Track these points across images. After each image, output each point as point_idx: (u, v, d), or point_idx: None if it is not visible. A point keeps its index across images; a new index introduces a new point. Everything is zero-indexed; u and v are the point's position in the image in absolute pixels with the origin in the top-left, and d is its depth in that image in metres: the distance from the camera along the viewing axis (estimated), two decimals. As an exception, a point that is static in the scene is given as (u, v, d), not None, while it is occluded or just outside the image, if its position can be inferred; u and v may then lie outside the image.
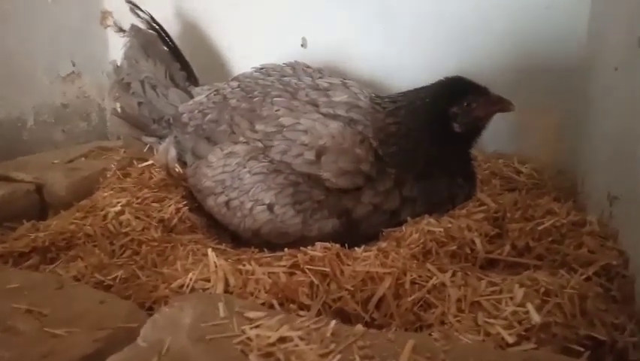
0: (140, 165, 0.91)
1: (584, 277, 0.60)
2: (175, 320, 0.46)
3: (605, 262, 0.63)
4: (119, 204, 0.77)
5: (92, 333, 0.48)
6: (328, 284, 0.62)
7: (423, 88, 0.80)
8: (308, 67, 0.92)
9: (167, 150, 0.92)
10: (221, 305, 0.47)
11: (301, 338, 0.43)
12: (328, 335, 0.44)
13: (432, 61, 1.07)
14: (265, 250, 0.72)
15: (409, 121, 0.78)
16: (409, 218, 0.75)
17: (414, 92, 0.80)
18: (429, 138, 0.78)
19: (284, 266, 0.62)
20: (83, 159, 1.01)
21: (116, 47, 1.17)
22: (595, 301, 0.56)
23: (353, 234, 0.75)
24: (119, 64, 1.02)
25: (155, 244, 0.71)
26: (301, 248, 0.68)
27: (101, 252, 0.69)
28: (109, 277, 0.62)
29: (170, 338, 0.43)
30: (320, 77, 0.88)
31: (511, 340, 0.50)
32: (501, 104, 0.78)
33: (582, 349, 0.49)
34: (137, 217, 0.75)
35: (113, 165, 0.92)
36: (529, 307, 0.53)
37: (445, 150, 0.79)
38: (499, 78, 1.00)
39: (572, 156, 0.98)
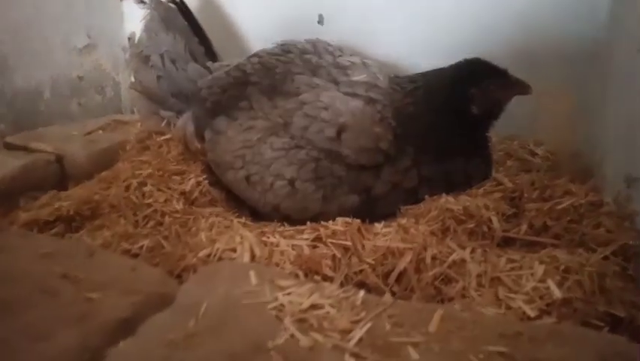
0: (158, 139, 0.92)
1: (602, 256, 0.61)
2: (209, 285, 0.47)
3: (623, 242, 0.64)
4: (141, 176, 0.78)
5: (127, 297, 0.49)
6: (350, 258, 0.63)
7: (441, 69, 0.80)
8: (329, 45, 0.92)
9: (185, 125, 0.93)
10: (252, 273, 0.49)
11: (332, 306, 0.44)
12: (358, 303, 0.45)
13: (448, 42, 1.06)
14: (285, 224, 0.74)
15: (426, 102, 0.78)
16: (426, 197, 0.76)
17: (432, 73, 0.80)
18: (446, 120, 0.78)
19: (307, 239, 0.63)
20: (100, 131, 1.01)
21: (131, 20, 1.16)
22: (613, 279, 0.58)
23: (371, 211, 0.76)
24: (137, 36, 1.01)
25: (178, 215, 0.72)
26: (322, 223, 0.69)
27: (125, 222, 0.70)
28: (135, 246, 0.63)
29: (206, 302, 0.44)
30: (340, 56, 0.88)
31: (532, 314, 0.51)
32: (519, 87, 0.78)
33: (602, 324, 0.51)
34: (159, 189, 0.76)
35: (132, 138, 0.92)
36: (550, 282, 0.54)
37: (462, 132, 0.79)
38: (515, 62, 0.99)
39: (587, 139, 0.98)
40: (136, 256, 0.62)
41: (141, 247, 0.63)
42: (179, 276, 0.57)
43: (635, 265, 0.63)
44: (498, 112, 0.81)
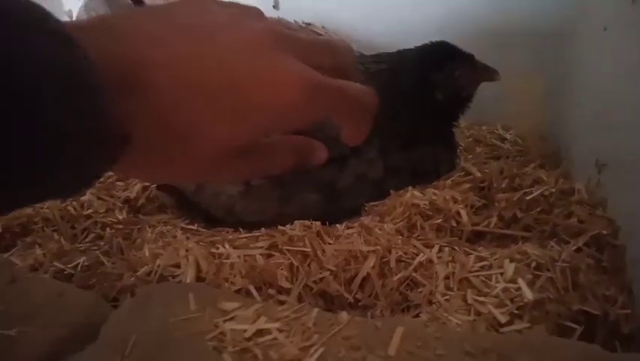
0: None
1: (574, 248, 0.58)
2: (140, 314, 0.42)
3: (596, 232, 0.61)
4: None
5: (48, 332, 0.43)
6: (309, 265, 0.58)
7: (407, 51, 0.75)
8: (293, 22, 0.85)
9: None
10: (191, 296, 0.43)
11: (280, 330, 0.39)
12: (310, 325, 0.40)
13: (414, 21, 1.01)
14: (240, 229, 0.68)
15: (391, 86, 0.73)
16: (392, 191, 0.72)
17: (397, 55, 0.75)
18: (412, 107, 0.74)
19: (261, 248, 0.58)
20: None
21: None
22: (587, 273, 0.54)
23: (334, 207, 0.71)
24: (75, 16, 0.93)
25: (121, 226, 0.66)
26: (279, 227, 0.63)
27: (60, 237, 0.63)
28: (70, 265, 0.57)
29: (134, 336, 0.38)
30: (309, 26, 0.81)
31: (503, 319, 0.47)
32: (486, 74, 0.74)
33: (576, 325, 0.47)
34: (99, 198, 0.69)
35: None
36: (521, 283, 0.50)
37: (428, 119, 0.75)
38: (482, 42, 0.95)
39: (555, 123, 0.96)
40: (70, 276, 0.56)
41: (76, 265, 0.57)
42: (115, 299, 0.51)
43: (609, 256, 0.61)
44: (466, 99, 0.77)
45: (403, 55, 0.75)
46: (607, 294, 0.53)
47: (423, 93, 0.74)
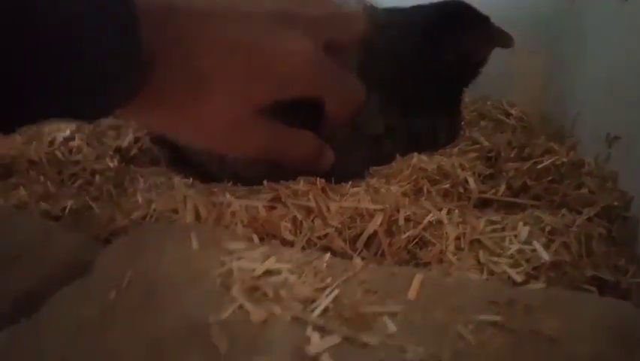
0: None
1: (586, 217, 0.56)
2: (137, 250, 0.38)
3: (606, 203, 0.59)
4: (69, 130, 0.66)
5: (35, 267, 0.39)
6: (313, 220, 0.55)
7: (420, 7, 0.71)
8: None
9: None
10: (193, 235, 0.40)
11: (291, 271, 0.36)
12: (323, 268, 0.37)
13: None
14: (239, 184, 0.64)
15: (398, 42, 0.69)
16: (398, 156, 0.69)
17: (409, 10, 0.72)
18: (417, 69, 0.70)
19: (264, 199, 0.55)
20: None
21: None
22: (599, 242, 0.53)
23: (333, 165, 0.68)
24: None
25: (112, 174, 0.62)
26: (282, 182, 0.60)
27: (47, 180, 0.59)
28: (57, 207, 0.53)
29: (131, 271, 0.35)
30: None
31: (519, 279, 0.45)
32: (500, 39, 0.71)
33: (593, 288, 0.46)
34: (89, 144, 0.65)
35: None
36: (536, 244, 0.49)
37: (434, 84, 0.72)
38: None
39: (561, 99, 0.94)
40: (57, 219, 0.52)
41: (64, 208, 0.53)
42: (107, 241, 0.47)
43: (618, 227, 0.59)
44: (476, 65, 0.74)
45: (414, 11, 0.71)
46: (618, 264, 0.52)
47: (431, 55, 0.70)
